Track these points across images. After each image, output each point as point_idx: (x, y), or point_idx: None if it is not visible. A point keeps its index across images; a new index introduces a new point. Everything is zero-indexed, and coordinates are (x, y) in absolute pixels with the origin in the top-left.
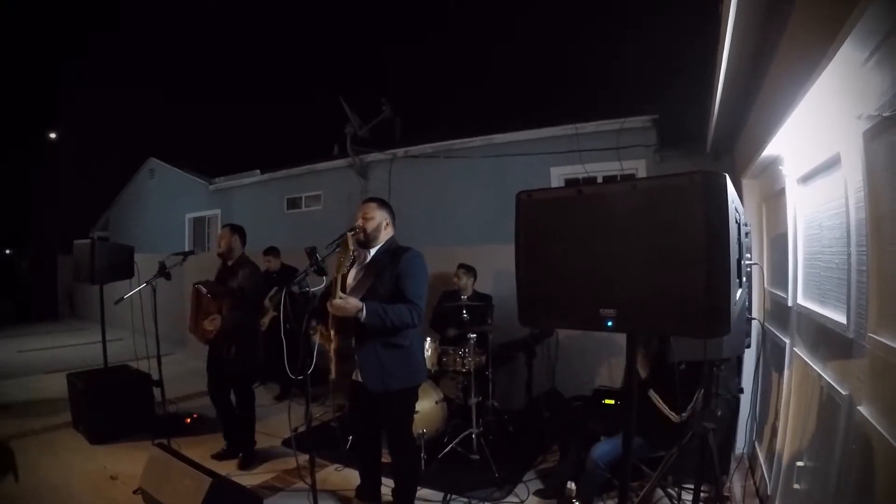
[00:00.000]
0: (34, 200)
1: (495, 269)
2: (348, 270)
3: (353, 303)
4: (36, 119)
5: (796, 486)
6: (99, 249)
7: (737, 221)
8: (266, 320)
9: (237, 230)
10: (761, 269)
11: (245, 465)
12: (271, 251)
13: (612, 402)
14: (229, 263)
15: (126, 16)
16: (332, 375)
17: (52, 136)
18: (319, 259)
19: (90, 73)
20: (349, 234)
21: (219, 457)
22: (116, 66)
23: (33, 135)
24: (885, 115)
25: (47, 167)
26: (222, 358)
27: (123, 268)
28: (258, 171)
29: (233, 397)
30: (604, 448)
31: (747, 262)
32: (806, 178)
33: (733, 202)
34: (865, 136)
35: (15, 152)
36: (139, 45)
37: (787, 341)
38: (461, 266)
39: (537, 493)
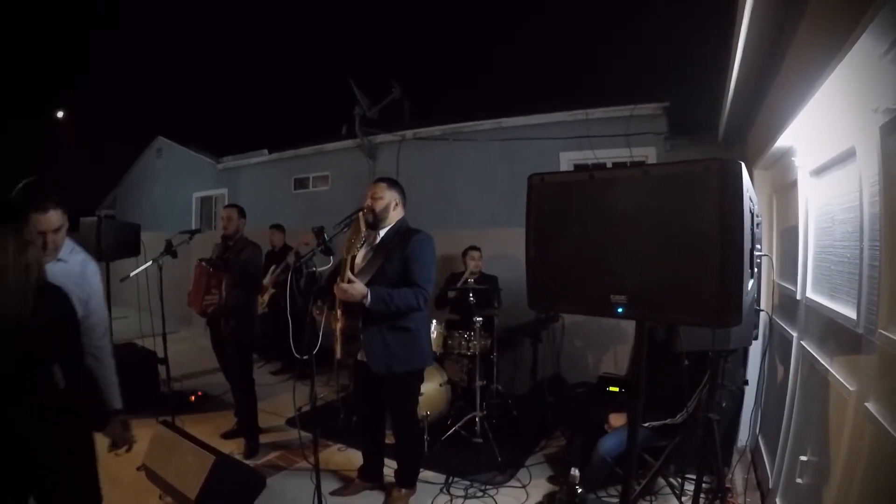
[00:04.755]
0: (41, 178)
1: (502, 252)
2: (357, 251)
3: (359, 288)
4: (43, 97)
5: (799, 480)
6: (105, 227)
7: (750, 211)
8: (265, 298)
9: (243, 213)
10: (771, 260)
11: (249, 455)
12: (277, 227)
13: (617, 389)
14: (230, 244)
15: None
16: (338, 356)
17: (60, 114)
18: (327, 239)
19: (98, 51)
20: (359, 215)
21: (228, 435)
22: (125, 44)
23: (40, 112)
24: None
25: (54, 145)
26: (221, 334)
27: (130, 246)
28: (266, 151)
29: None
30: (612, 442)
31: (758, 253)
32: (819, 171)
33: (748, 191)
34: (882, 130)
35: (22, 130)
36: (148, 24)
37: (795, 334)
38: (475, 248)
39: (540, 478)
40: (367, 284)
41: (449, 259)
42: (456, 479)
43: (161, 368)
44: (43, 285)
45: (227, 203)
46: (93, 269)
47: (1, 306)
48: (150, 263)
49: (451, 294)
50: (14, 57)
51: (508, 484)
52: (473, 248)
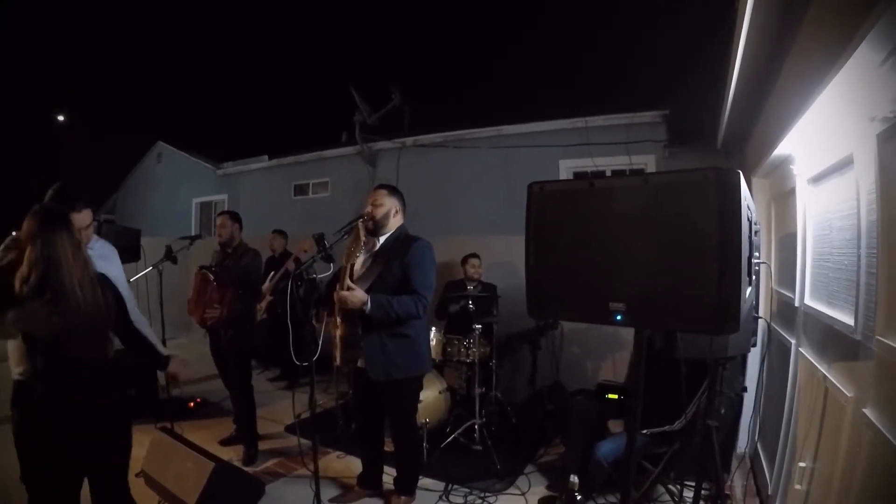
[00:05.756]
0: (41, 182)
1: (501, 260)
2: (357, 258)
3: (359, 295)
4: (44, 101)
5: (797, 486)
6: (105, 232)
7: (748, 219)
8: (263, 305)
9: (237, 218)
10: (769, 268)
11: (249, 462)
12: (279, 233)
13: (616, 396)
14: (229, 251)
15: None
16: (337, 362)
17: (60, 118)
18: (327, 246)
19: (99, 55)
20: (359, 222)
21: (227, 442)
22: (126, 49)
23: (41, 116)
24: None
25: (55, 149)
26: (220, 341)
27: (130, 251)
28: (266, 157)
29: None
30: (609, 446)
31: (756, 260)
32: (817, 179)
33: (746, 200)
34: (879, 138)
35: (23, 133)
36: (150, 28)
37: (793, 341)
38: (474, 256)
39: (539, 485)
40: (367, 291)
41: (447, 266)
42: (455, 486)
43: (160, 375)
44: (97, 275)
45: (227, 208)
46: (113, 250)
47: (72, 301)
48: (150, 269)
49: (453, 309)
50: (16, 61)
51: (507, 491)
52: (473, 255)
